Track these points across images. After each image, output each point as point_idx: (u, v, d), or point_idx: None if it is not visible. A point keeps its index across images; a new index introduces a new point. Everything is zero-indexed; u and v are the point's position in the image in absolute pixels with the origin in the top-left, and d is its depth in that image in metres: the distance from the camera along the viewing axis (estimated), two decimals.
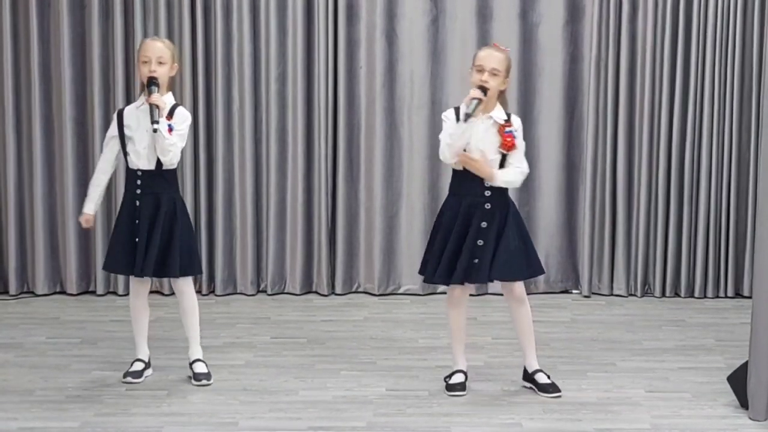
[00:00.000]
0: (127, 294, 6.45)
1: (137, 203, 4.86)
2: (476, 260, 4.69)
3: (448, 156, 4.70)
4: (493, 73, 4.64)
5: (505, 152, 4.71)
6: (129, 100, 6.39)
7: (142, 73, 4.82)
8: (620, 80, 6.46)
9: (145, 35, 6.33)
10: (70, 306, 6.35)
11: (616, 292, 6.60)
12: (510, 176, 4.73)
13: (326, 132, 6.48)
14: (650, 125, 6.47)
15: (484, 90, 4.63)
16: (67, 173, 6.44)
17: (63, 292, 6.57)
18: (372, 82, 6.49)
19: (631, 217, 6.56)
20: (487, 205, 4.70)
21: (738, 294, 6.56)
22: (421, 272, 4.91)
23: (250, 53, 6.43)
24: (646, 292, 6.63)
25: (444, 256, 4.72)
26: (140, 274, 4.89)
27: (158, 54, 4.79)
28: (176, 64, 4.91)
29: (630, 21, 6.43)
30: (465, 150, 4.69)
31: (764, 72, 6.25)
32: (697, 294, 6.55)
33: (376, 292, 6.60)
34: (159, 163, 4.83)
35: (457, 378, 4.87)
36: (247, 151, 6.48)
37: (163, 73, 4.80)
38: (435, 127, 6.53)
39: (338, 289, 6.60)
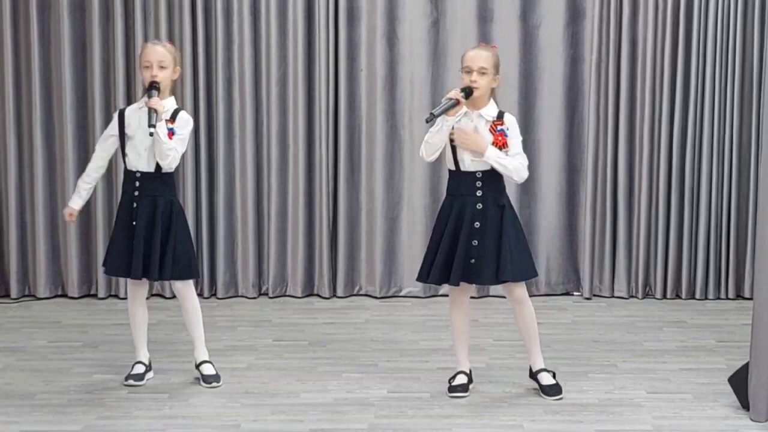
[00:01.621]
0: None
1: (134, 205, 4.85)
2: (473, 260, 4.68)
3: (424, 153, 4.73)
4: (482, 72, 4.64)
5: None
6: (130, 102, 6.38)
7: (144, 77, 4.82)
8: (621, 82, 6.46)
9: (146, 38, 6.33)
10: (71, 309, 6.35)
11: (617, 293, 6.60)
12: (506, 161, 4.65)
13: (327, 134, 6.48)
14: (651, 127, 6.47)
15: (470, 91, 4.64)
16: (68, 177, 6.45)
17: (64, 296, 6.58)
18: (373, 84, 6.49)
19: (632, 218, 6.56)
20: (479, 205, 4.68)
21: (739, 295, 6.56)
22: (418, 276, 4.90)
23: (250, 56, 6.43)
24: (647, 293, 6.63)
25: (438, 256, 4.72)
26: (138, 276, 4.88)
27: (159, 58, 4.79)
28: (178, 68, 4.90)
29: (630, 23, 6.43)
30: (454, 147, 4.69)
31: (765, 74, 6.26)
32: (698, 295, 6.55)
33: (378, 295, 6.60)
34: (158, 165, 4.83)
35: (459, 379, 4.87)
36: (248, 154, 6.48)
37: (164, 77, 4.80)
38: None
39: (339, 292, 6.61)
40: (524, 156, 4.75)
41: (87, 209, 6.52)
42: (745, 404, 4.60)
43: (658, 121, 6.47)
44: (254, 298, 6.58)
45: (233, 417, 4.59)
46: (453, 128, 4.67)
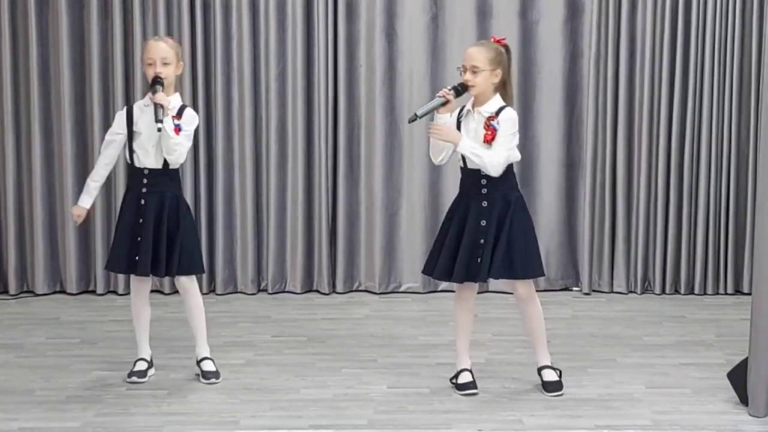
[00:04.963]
0: (128, 293, 6.44)
1: (142, 202, 4.86)
2: (479, 259, 4.67)
3: (432, 157, 4.79)
4: (474, 71, 4.62)
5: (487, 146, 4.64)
6: (128, 99, 6.39)
7: (148, 74, 4.82)
8: (620, 77, 6.46)
9: (145, 34, 6.33)
10: (70, 306, 6.35)
11: (616, 289, 6.60)
12: (480, 151, 4.57)
13: (326, 130, 6.48)
14: (650, 122, 6.47)
15: (463, 88, 4.63)
16: (66, 173, 6.44)
17: (63, 292, 6.57)
18: (372, 80, 6.49)
19: (630, 213, 6.56)
20: (485, 203, 4.67)
21: (738, 291, 6.56)
22: (424, 269, 4.92)
23: (249, 52, 6.43)
24: (646, 288, 6.63)
25: (443, 253, 4.73)
26: (145, 273, 4.88)
27: (162, 55, 4.79)
28: (181, 63, 4.91)
29: (629, 18, 6.43)
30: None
31: (763, 68, 6.25)
32: (697, 290, 6.55)
33: (377, 291, 6.59)
34: (165, 162, 4.84)
35: (465, 377, 4.85)
36: (247, 150, 6.48)
37: (168, 73, 4.80)
38: None
39: (339, 288, 6.60)
40: (509, 151, 4.64)
41: None
42: (743, 399, 4.60)
43: (656, 117, 6.47)
44: (253, 294, 6.58)
45: (232, 413, 4.59)
46: (431, 124, 4.66)
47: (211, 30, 6.41)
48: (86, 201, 4.97)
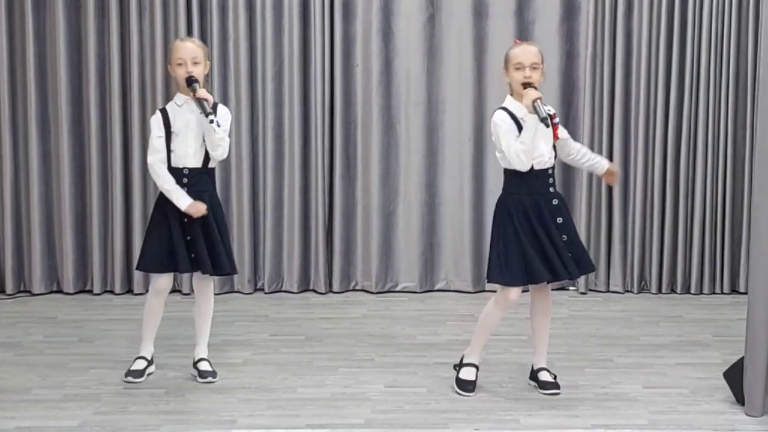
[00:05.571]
0: (124, 293, 6.51)
1: None
2: (570, 254, 4.68)
3: (527, 162, 4.60)
4: (534, 67, 4.62)
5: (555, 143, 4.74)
6: (125, 98, 6.40)
7: (179, 75, 4.82)
8: (616, 77, 6.47)
9: (141, 33, 6.34)
10: (67, 305, 6.34)
11: (612, 288, 6.61)
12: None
13: (323, 130, 6.49)
14: (646, 122, 6.48)
15: (530, 86, 4.61)
16: (63, 172, 6.44)
17: (60, 291, 6.57)
18: (368, 79, 6.49)
19: (627, 213, 6.58)
20: (555, 201, 4.70)
21: (734, 290, 6.58)
22: (497, 279, 4.71)
23: (246, 51, 6.43)
24: (643, 288, 6.64)
25: (535, 254, 4.63)
26: (209, 271, 4.88)
27: (192, 55, 4.81)
28: (209, 62, 4.92)
29: (625, 18, 6.44)
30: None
31: (759, 68, 6.26)
32: (693, 290, 6.56)
33: (374, 290, 6.60)
34: (205, 160, 4.85)
35: (471, 374, 4.83)
36: (244, 149, 6.48)
37: (198, 72, 4.82)
38: (432, 124, 6.55)
39: (336, 287, 6.61)
40: None
41: (82, 205, 6.54)
42: (740, 399, 4.61)
43: (653, 116, 6.48)
44: (250, 293, 6.58)
45: (230, 412, 4.59)
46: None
47: (207, 30, 6.41)
48: (189, 197, 4.82)
